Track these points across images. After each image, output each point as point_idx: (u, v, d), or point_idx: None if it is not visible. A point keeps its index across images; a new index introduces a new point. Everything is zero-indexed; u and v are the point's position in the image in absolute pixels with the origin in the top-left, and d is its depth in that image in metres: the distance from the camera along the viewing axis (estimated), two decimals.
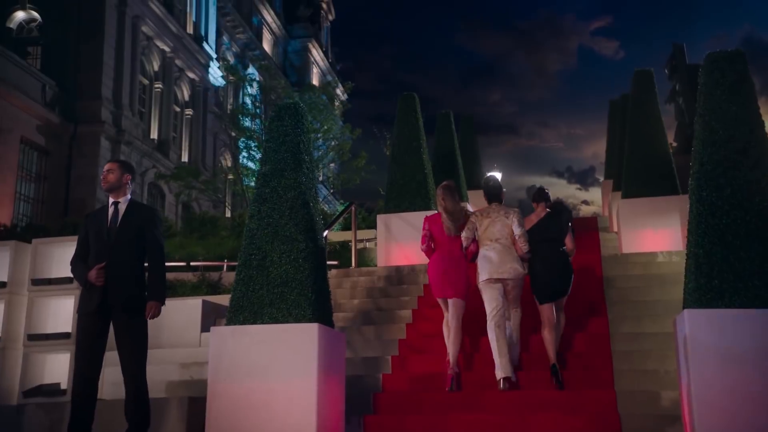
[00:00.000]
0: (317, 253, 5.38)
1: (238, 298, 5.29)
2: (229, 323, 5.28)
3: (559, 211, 6.66)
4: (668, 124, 10.71)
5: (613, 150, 14.01)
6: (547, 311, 6.27)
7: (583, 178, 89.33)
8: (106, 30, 26.03)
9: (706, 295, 4.73)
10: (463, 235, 6.32)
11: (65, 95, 24.84)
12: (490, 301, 6.17)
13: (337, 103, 24.82)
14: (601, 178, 16.55)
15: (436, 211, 6.76)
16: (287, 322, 5.11)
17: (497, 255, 6.18)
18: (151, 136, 28.95)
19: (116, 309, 4.89)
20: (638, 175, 9.50)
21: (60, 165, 24.28)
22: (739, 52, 5.20)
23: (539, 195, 6.75)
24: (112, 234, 5.02)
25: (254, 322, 5.19)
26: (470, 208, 7.74)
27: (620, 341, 6.62)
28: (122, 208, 5.15)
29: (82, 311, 4.93)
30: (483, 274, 6.20)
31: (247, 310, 5.24)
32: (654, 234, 9.28)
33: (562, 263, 6.43)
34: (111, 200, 5.18)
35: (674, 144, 19.50)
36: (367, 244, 11.85)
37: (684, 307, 4.93)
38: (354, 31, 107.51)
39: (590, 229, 12.03)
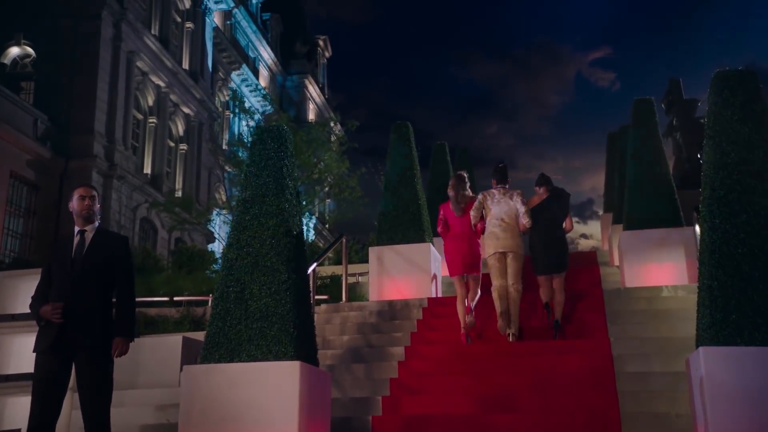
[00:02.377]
0: (301, 285, 4.99)
1: (213, 333, 4.90)
2: (203, 361, 4.87)
3: (559, 194, 7.50)
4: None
5: (612, 183, 13.71)
6: (544, 282, 7.29)
7: (580, 211, 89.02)
8: (101, 65, 25.91)
9: (722, 331, 4.36)
10: (472, 213, 7.28)
11: (57, 130, 24.60)
12: (495, 274, 7.17)
13: (333, 139, 24.60)
14: (600, 212, 16.24)
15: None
16: (267, 360, 4.73)
17: (502, 232, 7.09)
18: (145, 171, 28.67)
19: (77, 346, 4.45)
20: (640, 205, 9.14)
21: (50, 200, 23.89)
22: (751, 70, 4.91)
23: (541, 180, 7.61)
24: (76, 265, 4.60)
25: (231, 360, 4.80)
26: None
27: (626, 381, 6.21)
28: (89, 236, 4.74)
29: (37, 349, 4.49)
30: (489, 249, 7.13)
31: (224, 347, 4.84)
32: (658, 267, 8.89)
33: (559, 240, 7.31)
34: (77, 228, 4.78)
35: None
36: (360, 279, 11.44)
37: (698, 345, 4.54)
38: (349, 65, 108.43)
39: (590, 263, 11.70)
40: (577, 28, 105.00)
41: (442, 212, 7.67)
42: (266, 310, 4.80)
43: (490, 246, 7.15)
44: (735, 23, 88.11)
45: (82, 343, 4.44)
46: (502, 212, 7.12)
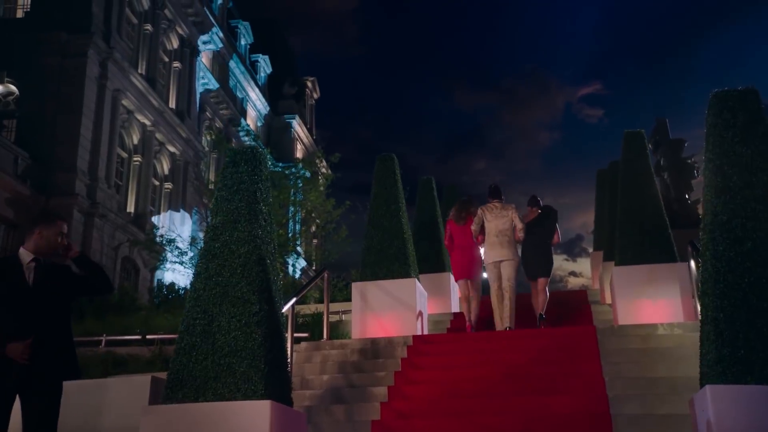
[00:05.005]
0: (273, 318, 4.62)
1: (177, 370, 4.50)
2: (165, 401, 4.46)
3: (548, 212, 8.93)
4: None
5: (602, 220, 13.45)
6: (533, 285, 8.75)
7: (570, 248, 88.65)
8: (85, 103, 25.69)
9: (731, 368, 4.01)
10: (473, 227, 8.64)
11: (39, 167, 24.22)
12: (493, 279, 8.46)
13: (321, 181, 24.46)
14: (589, 249, 15.96)
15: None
16: (235, 399, 4.33)
17: (499, 244, 8.36)
18: (128, 210, 28.25)
19: (29, 384, 4.05)
20: (633, 240, 8.81)
21: None
22: (752, 89, 4.66)
23: (532, 201, 9.10)
24: (37, 294, 4.22)
25: (195, 400, 4.39)
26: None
27: (623, 424, 5.81)
28: (30, 268, 4.34)
29: None
30: (488, 258, 8.51)
31: (188, 385, 4.44)
32: (652, 304, 8.55)
33: (546, 251, 8.79)
34: (30, 256, 4.36)
35: None
36: (344, 317, 11.04)
37: (704, 383, 4.19)
38: (337, 101, 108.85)
39: (580, 302, 11.39)
40: (566, 64, 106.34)
41: (449, 228, 9.28)
42: (235, 344, 4.42)
43: (488, 256, 8.54)
44: (725, 62, 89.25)
45: (36, 382, 4.05)
46: (499, 226, 8.42)
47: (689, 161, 23.66)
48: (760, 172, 4.43)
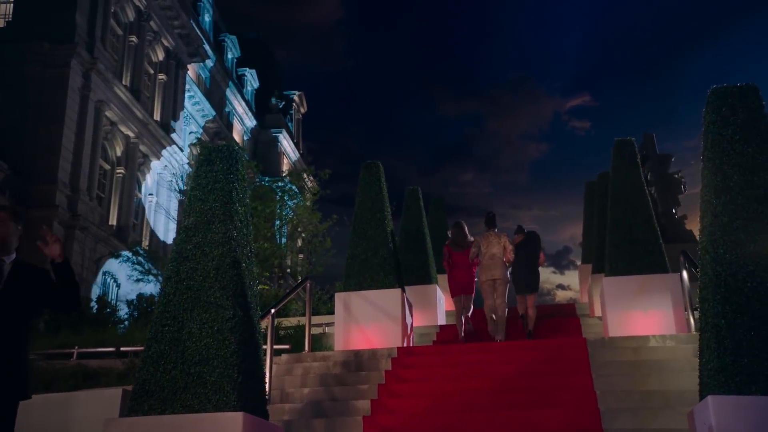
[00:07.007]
0: (248, 325, 4.33)
1: (144, 380, 4.20)
2: (131, 413, 4.16)
3: (532, 238, 10.01)
4: None
5: (590, 233, 13.28)
6: (521, 299, 9.70)
7: (557, 260, 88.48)
8: (68, 114, 25.34)
9: (734, 377, 3.77)
10: (472, 250, 9.57)
11: (19, 178, 23.80)
12: (486, 295, 9.35)
13: (308, 195, 24.22)
14: (577, 261, 15.77)
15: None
16: (205, 411, 4.04)
17: (493, 265, 9.32)
18: (110, 222, 27.80)
19: None
20: (623, 250, 8.61)
21: None
22: (752, 86, 4.46)
23: (519, 230, 10.22)
24: None
25: (163, 412, 4.09)
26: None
27: None
28: (7, 269, 4.02)
29: None
30: (482, 277, 9.43)
31: (155, 396, 4.14)
32: (643, 316, 8.33)
33: (533, 270, 9.78)
34: None
35: None
36: (327, 329, 10.75)
37: (705, 394, 3.94)
38: (323, 114, 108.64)
39: (568, 315, 11.22)
40: (555, 75, 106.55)
41: (447, 251, 10.02)
42: (206, 352, 4.14)
43: (483, 275, 9.35)
44: (714, 78, 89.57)
45: None
46: (493, 250, 9.35)
47: (676, 176, 23.60)
48: (762, 171, 4.22)
